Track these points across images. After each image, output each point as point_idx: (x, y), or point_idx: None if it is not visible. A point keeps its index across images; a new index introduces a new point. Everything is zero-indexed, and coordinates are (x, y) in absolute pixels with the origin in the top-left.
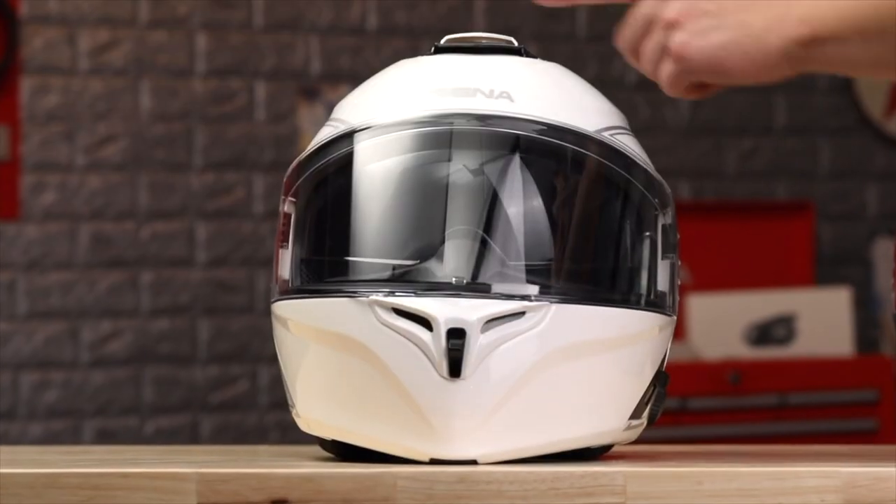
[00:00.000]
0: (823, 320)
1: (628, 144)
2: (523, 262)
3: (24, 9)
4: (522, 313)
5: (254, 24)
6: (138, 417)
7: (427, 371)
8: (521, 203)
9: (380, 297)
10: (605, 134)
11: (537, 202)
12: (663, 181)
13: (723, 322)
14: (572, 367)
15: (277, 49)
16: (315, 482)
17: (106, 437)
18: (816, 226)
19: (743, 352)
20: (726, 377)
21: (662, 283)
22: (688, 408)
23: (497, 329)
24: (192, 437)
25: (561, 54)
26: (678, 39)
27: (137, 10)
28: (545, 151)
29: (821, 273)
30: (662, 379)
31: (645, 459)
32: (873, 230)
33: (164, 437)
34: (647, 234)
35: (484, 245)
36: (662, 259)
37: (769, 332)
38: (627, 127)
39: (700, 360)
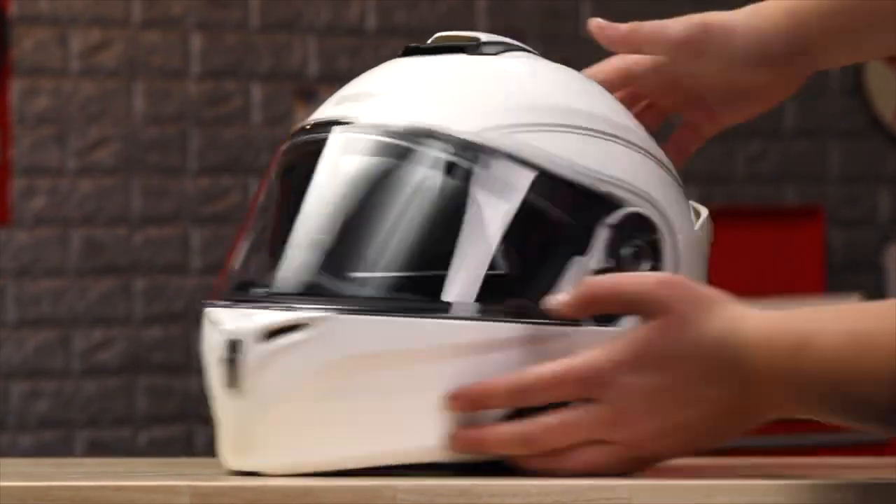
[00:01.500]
0: None
1: (534, 143)
2: (315, 275)
3: (13, 8)
4: (305, 325)
5: (250, 24)
6: (131, 428)
7: (220, 383)
8: (330, 214)
9: (206, 310)
10: (493, 133)
11: (346, 212)
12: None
13: None
14: (357, 380)
15: (274, 50)
16: (313, 495)
17: (98, 448)
18: (827, 231)
19: None
20: None
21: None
22: None
23: (277, 341)
24: (186, 448)
25: (565, 55)
26: None
27: (130, 10)
28: (369, 156)
29: (831, 280)
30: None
31: (652, 471)
32: (885, 236)
33: (158, 449)
34: (477, 237)
35: (293, 256)
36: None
37: None
38: (576, 125)
39: None
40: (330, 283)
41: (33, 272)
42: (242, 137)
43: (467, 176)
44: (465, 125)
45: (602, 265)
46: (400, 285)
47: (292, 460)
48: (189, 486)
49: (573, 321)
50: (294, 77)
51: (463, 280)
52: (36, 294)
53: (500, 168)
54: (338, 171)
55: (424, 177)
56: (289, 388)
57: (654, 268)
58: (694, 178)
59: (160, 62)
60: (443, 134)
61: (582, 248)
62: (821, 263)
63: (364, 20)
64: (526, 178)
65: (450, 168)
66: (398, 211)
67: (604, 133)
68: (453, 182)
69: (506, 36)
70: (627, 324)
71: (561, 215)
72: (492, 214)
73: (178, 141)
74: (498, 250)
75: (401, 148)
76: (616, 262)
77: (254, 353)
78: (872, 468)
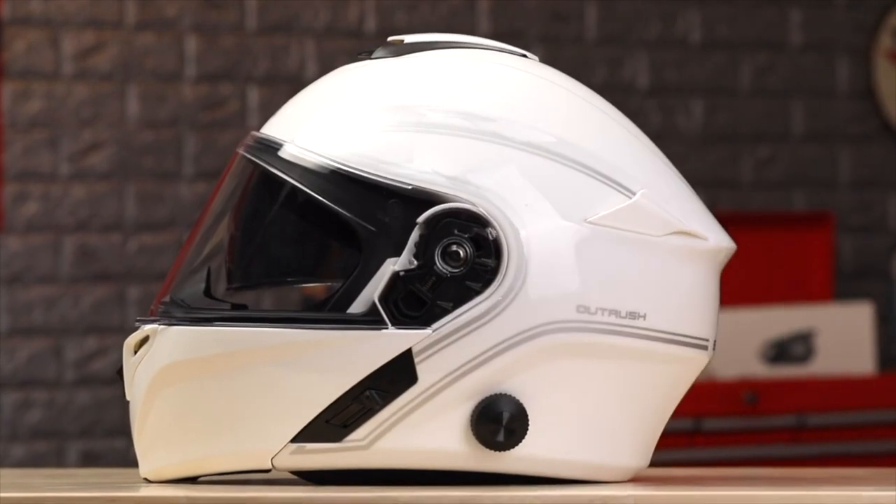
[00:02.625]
0: (844, 337)
1: (332, 145)
2: (176, 292)
3: (4, 10)
4: (147, 338)
5: (246, 25)
6: (126, 439)
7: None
8: (215, 231)
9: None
10: (306, 142)
11: (224, 229)
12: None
13: (738, 339)
14: (188, 386)
15: (271, 52)
16: None
17: (92, 459)
18: (836, 238)
19: (759, 370)
20: (742, 397)
21: (368, 292)
22: (701, 429)
23: (140, 353)
24: None
25: (569, 58)
26: None
27: (124, 12)
28: (245, 170)
29: (841, 288)
30: (359, 401)
31: (657, 483)
32: None
33: None
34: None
35: (181, 275)
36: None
37: (787, 349)
38: (408, 121)
39: (714, 378)
40: (179, 299)
41: (25, 279)
42: (239, 142)
43: (275, 188)
44: (299, 139)
45: (406, 266)
46: (217, 296)
47: (161, 465)
48: (185, 498)
49: (375, 325)
50: (292, 80)
51: (273, 288)
52: (28, 302)
53: (304, 176)
54: (238, 190)
55: (240, 192)
56: (143, 394)
57: (483, 263)
58: (700, 183)
59: (154, 65)
60: (267, 145)
61: (399, 249)
62: (830, 271)
63: (363, 22)
64: (318, 179)
65: (264, 184)
66: (226, 226)
67: (446, 127)
68: (264, 195)
69: (509, 38)
70: (433, 327)
71: (364, 215)
72: (293, 221)
73: (173, 146)
74: (301, 256)
75: (243, 161)
76: (423, 262)
77: (127, 365)
78: (885, 480)
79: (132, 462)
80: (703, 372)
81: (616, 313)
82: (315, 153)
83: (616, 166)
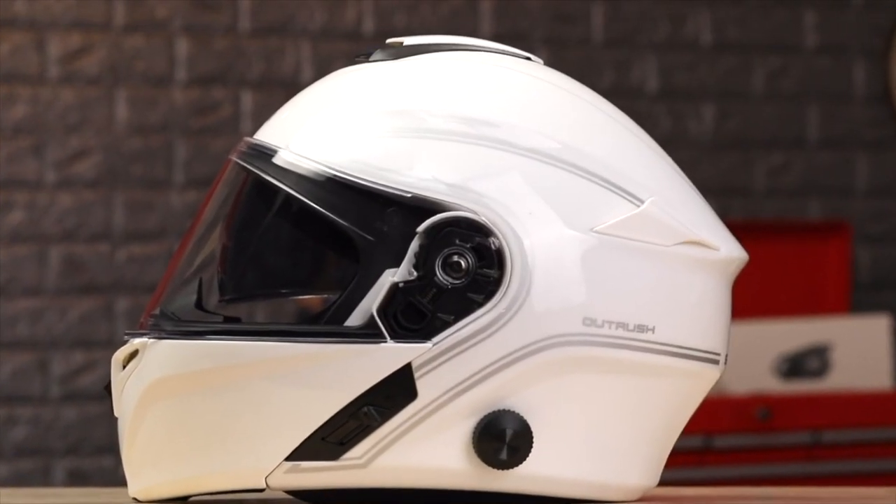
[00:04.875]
0: (860, 351)
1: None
2: (165, 305)
3: None
4: (136, 352)
5: (239, 27)
6: (114, 457)
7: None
8: (207, 241)
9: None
10: (301, 148)
11: (216, 239)
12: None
13: (751, 353)
14: (179, 402)
15: (265, 55)
16: None
17: (79, 478)
18: (853, 248)
19: (773, 385)
20: (755, 413)
21: (365, 305)
22: (713, 446)
23: (129, 368)
24: None
25: (574, 61)
26: None
27: (112, 13)
28: (238, 177)
29: (857, 300)
30: (356, 418)
31: (666, 502)
32: None
33: None
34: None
35: (171, 286)
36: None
37: (801, 363)
38: (409, 127)
39: (726, 394)
40: (170, 311)
41: (9, 291)
42: (232, 148)
43: (269, 196)
44: (294, 145)
45: (405, 277)
46: (209, 308)
47: (151, 484)
48: None
49: (374, 338)
50: (287, 84)
51: (269, 299)
52: (12, 315)
53: (300, 184)
54: (230, 199)
55: (233, 201)
56: (131, 410)
57: (486, 274)
58: (711, 190)
59: (144, 68)
60: (261, 152)
61: (399, 260)
62: (846, 282)
63: (361, 23)
64: (313, 187)
65: (258, 192)
66: (218, 236)
67: (447, 133)
68: (258, 203)
69: (512, 40)
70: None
71: (362, 224)
72: (288, 230)
73: (163, 152)
74: (296, 267)
75: (236, 168)
76: (423, 273)
77: (115, 381)
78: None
79: (121, 481)
80: (714, 387)
81: (624, 326)
82: (311, 160)
83: (623, 173)
